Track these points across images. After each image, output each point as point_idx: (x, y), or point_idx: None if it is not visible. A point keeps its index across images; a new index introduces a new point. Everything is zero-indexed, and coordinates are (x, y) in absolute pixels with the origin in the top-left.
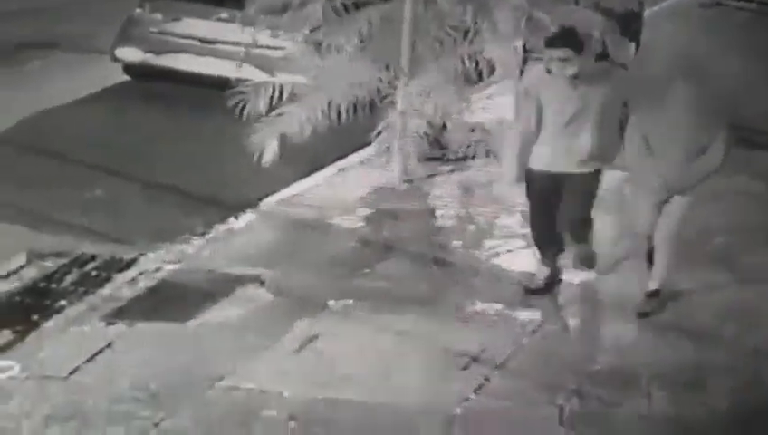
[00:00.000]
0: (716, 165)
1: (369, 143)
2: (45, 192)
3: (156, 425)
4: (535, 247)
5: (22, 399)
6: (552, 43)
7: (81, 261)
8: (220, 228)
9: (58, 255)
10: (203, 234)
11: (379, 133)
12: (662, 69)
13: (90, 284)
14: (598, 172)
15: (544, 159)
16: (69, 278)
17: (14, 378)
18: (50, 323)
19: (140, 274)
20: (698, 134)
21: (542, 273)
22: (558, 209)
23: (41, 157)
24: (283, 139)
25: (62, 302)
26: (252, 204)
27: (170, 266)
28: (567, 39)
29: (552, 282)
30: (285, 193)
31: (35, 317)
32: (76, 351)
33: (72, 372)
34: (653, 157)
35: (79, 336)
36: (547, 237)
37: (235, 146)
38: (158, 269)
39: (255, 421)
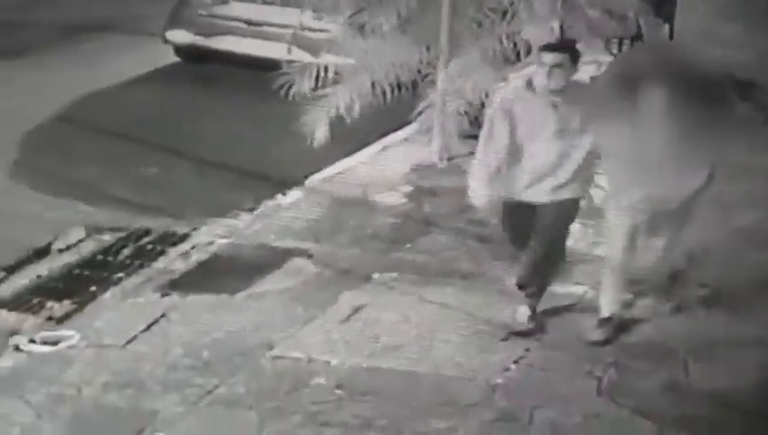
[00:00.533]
0: (703, 182)
1: (410, 122)
2: (102, 169)
3: (209, 392)
4: (514, 284)
5: (82, 366)
6: (549, 46)
7: (136, 235)
8: (268, 204)
9: (115, 229)
10: (252, 209)
11: (420, 112)
12: (635, 72)
13: (145, 257)
14: (576, 201)
15: (519, 186)
16: (125, 252)
17: (74, 347)
18: (107, 295)
19: (193, 247)
20: (680, 146)
21: (524, 313)
22: (529, 238)
23: (97, 134)
24: (331, 119)
25: (119, 274)
26: (298, 181)
27: (221, 241)
28: (566, 46)
29: (537, 320)
30: (331, 171)
31: (94, 289)
32: (132, 321)
33: (129, 342)
34: (632, 173)
35: (135, 307)
36: (530, 272)
37: (281, 125)
38: (209, 243)
39: (304, 389)
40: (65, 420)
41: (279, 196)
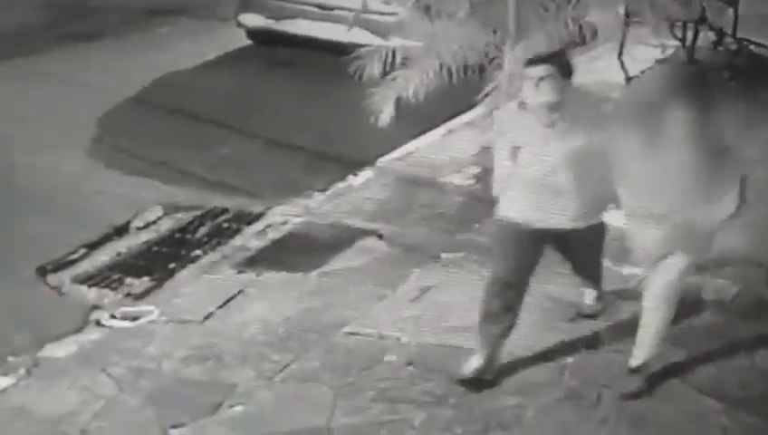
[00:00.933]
0: (732, 210)
1: (476, 105)
2: (178, 149)
3: (284, 368)
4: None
5: (161, 341)
6: (533, 60)
7: (213, 214)
8: (340, 185)
9: (191, 208)
10: (324, 189)
11: (486, 95)
12: (657, 93)
13: (221, 235)
14: (599, 225)
15: (521, 209)
16: (202, 230)
17: (154, 322)
18: (185, 272)
19: (268, 226)
20: (706, 174)
21: (591, 294)
22: (531, 275)
23: (173, 115)
24: (399, 101)
25: (197, 251)
26: (369, 162)
27: (295, 219)
28: (552, 57)
29: (488, 374)
30: (400, 152)
31: (172, 266)
32: (210, 297)
33: (207, 317)
34: (654, 203)
35: (212, 284)
36: (499, 313)
37: (352, 108)
38: (284, 222)
39: (377, 365)
40: (146, 393)
41: (350, 176)
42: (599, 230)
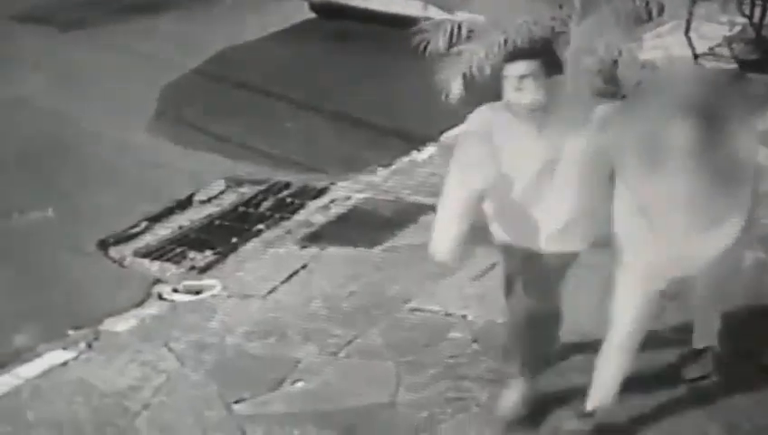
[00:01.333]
0: (734, 237)
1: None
2: (241, 122)
3: (348, 343)
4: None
5: (224, 316)
6: (512, 55)
7: (276, 188)
8: (404, 160)
9: (255, 182)
10: (388, 165)
11: None
12: (663, 108)
13: (285, 210)
14: (572, 255)
15: (503, 228)
16: (265, 204)
17: (216, 296)
18: (248, 246)
19: (331, 201)
20: (712, 199)
21: (512, 396)
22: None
23: (236, 88)
24: (466, 76)
25: (260, 226)
26: (433, 137)
27: (359, 195)
28: (535, 52)
29: (535, 404)
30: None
31: (235, 240)
32: (273, 272)
33: (270, 292)
34: (651, 230)
35: (275, 258)
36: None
37: (417, 82)
38: (347, 197)
39: (442, 342)
40: (208, 368)
41: (414, 152)
42: (567, 263)
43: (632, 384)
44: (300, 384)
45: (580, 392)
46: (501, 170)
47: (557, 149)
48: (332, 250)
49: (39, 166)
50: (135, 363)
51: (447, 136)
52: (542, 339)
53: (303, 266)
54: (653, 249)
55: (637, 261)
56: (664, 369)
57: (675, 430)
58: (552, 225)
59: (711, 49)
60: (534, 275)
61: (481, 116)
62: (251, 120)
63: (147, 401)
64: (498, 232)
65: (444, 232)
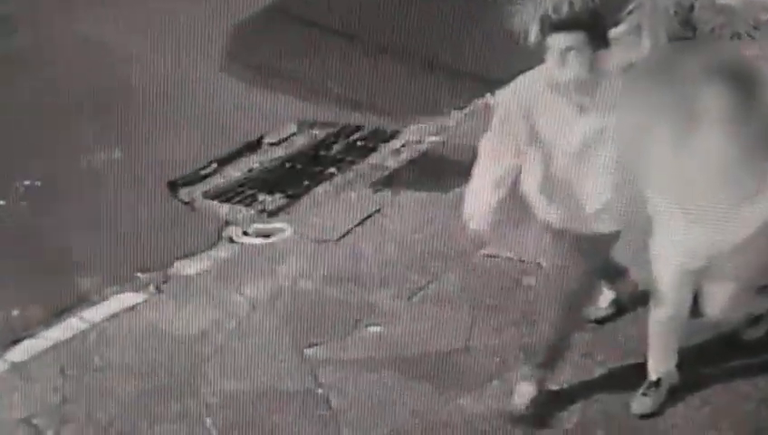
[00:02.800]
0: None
1: (620, 22)
2: (313, 63)
3: (422, 288)
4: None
5: (295, 260)
6: (558, 25)
7: (347, 131)
8: (479, 103)
9: (326, 124)
10: (462, 108)
11: (629, 12)
12: (696, 70)
13: (356, 153)
14: (612, 235)
15: (544, 206)
16: (336, 147)
17: (288, 240)
18: (320, 189)
19: (404, 145)
20: (745, 169)
21: (528, 390)
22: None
23: (309, 27)
24: (543, 18)
25: (331, 169)
26: (508, 80)
27: (432, 138)
28: (583, 23)
29: (543, 404)
30: (541, 69)
31: (306, 183)
32: (346, 216)
33: (343, 236)
34: (682, 206)
35: (348, 202)
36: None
37: (492, 25)
38: (419, 141)
39: (516, 288)
40: (280, 313)
41: (488, 95)
42: (609, 243)
43: None
44: (374, 329)
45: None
46: (539, 146)
47: (598, 127)
48: (406, 194)
49: (108, 107)
50: (205, 307)
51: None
52: (572, 320)
53: (377, 210)
54: (684, 226)
55: (670, 238)
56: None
57: None
58: (592, 204)
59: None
60: (575, 255)
61: (521, 87)
62: (323, 60)
63: (217, 346)
64: (540, 210)
65: (478, 200)
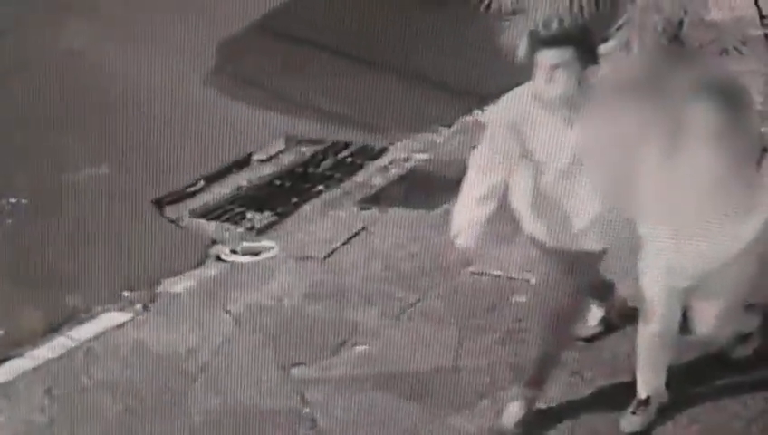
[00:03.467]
0: (756, 235)
1: (608, 38)
2: (300, 79)
3: (409, 306)
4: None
5: (282, 277)
6: (546, 41)
7: (335, 148)
8: (467, 120)
9: (314, 141)
10: (450, 125)
11: (619, 28)
12: (684, 86)
13: (344, 170)
14: (600, 254)
15: (528, 223)
16: (324, 164)
17: (275, 258)
18: (307, 207)
19: (391, 162)
20: (733, 186)
21: (514, 412)
22: None
23: (296, 45)
24: (533, 34)
25: (319, 186)
26: (497, 97)
27: (419, 155)
28: (571, 39)
29: (531, 423)
30: (528, 86)
31: (294, 200)
32: (333, 233)
33: (330, 254)
34: (670, 223)
35: (335, 220)
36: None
37: (480, 41)
38: (407, 158)
39: (505, 306)
40: (266, 331)
41: (476, 111)
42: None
43: None
44: (360, 348)
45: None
46: (528, 163)
47: (587, 143)
48: (392, 212)
49: (93, 122)
50: (192, 326)
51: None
52: (561, 337)
53: (363, 228)
54: (672, 243)
55: (658, 256)
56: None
57: None
58: (581, 221)
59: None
60: (564, 272)
61: (510, 103)
62: (311, 76)
63: (204, 364)
64: (528, 227)
65: (465, 216)
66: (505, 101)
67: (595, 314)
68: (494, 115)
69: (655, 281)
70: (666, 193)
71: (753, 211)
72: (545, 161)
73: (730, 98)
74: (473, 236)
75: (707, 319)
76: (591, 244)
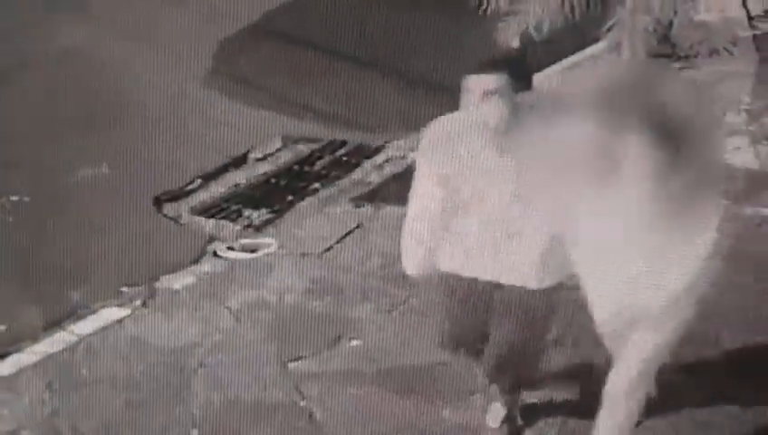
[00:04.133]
0: (692, 279)
1: (600, 39)
2: (297, 79)
3: (403, 302)
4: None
5: (280, 273)
6: (478, 67)
7: (332, 147)
8: None
9: (311, 140)
10: None
11: (609, 29)
12: (623, 116)
13: (340, 168)
14: (546, 291)
15: (463, 259)
16: (321, 162)
17: (273, 254)
18: (304, 204)
19: (387, 160)
20: (666, 230)
21: (497, 412)
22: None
23: (293, 45)
24: (524, 35)
25: (315, 184)
26: None
27: (414, 154)
28: (503, 64)
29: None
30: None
31: (291, 198)
32: (329, 230)
33: (326, 250)
34: (600, 265)
35: (331, 217)
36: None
37: (474, 41)
38: (403, 156)
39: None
40: (265, 326)
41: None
42: (549, 299)
43: None
44: (356, 343)
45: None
46: (463, 194)
47: (523, 173)
48: (388, 209)
49: (92, 121)
50: (191, 321)
51: None
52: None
53: (359, 225)
54: (607, 286)
55: (595, 297)
56: None
57: None
58: (521, 257)
59: (767, 12)
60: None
61: (440, 130)
62: (307, 76)
63: (203, 360)
64: (454, 262)
65: (410, 246)
66: (435, 127)
67: (497, 414)
68: (425, 142)
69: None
70: (593, 231)
71: (681, 263)
72: (480, 191)
73: (673, 133)
74: (419, 266)
75: (626, 375)
76: (534, 281)
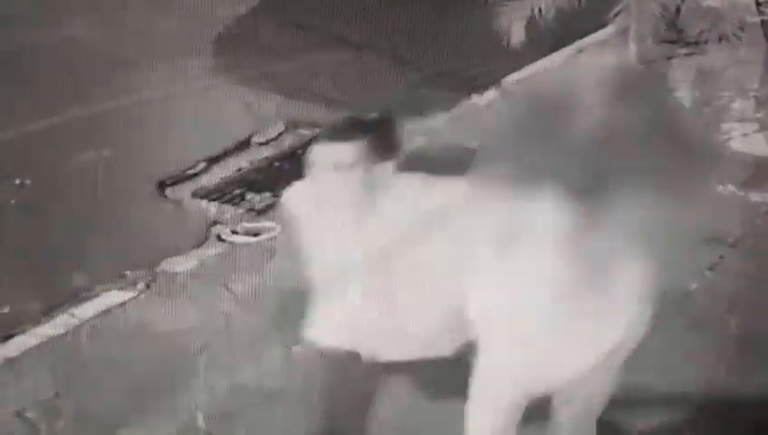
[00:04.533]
0: (612, 347)
1: (606, 24)
2: (298, 62)
3: None
4: None
5: (283, 258)
6: (327, 134)
7: None
8: (464, 104)
9: (312, 124)
10: (448, 109)
11: (616, 15)
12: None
13: None
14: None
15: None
16: None
17: (276, 238)
18: None
19: None
20: (583, 294)
21: None
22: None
23: (294, 29)
24: (528, 21)
25: None
26: (494, 82)
27: (418, 138)
28: (362, 128)
29: None
30: (526, 72)
31: (294, 182)
32: None
33: None
34: (507, 336)
35: None
36: None
37: (479, 27)
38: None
39: None
40: (268, 310)
41: (475, 96)
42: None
43: None
44: None
45: None
46: (329, 262)
47: (389, 240)
48: None
49: (94, 108)
50: (193, 305)
51: (508, 81)
52: None
53: None
54: (509, 359)
55: (492, 371)
56: None
57: None
58: (405, 328)
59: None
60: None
61: (298, 198)
62: (309, 60)
63: (205, 343)
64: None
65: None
66: (292, 194)
67: None
68: (286, 210)
69: (484, 399)
70: (501, 298)
71: (604, 325)
72: (347, 261)
73: (589, 188)
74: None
75: None
76: (428, 350)
